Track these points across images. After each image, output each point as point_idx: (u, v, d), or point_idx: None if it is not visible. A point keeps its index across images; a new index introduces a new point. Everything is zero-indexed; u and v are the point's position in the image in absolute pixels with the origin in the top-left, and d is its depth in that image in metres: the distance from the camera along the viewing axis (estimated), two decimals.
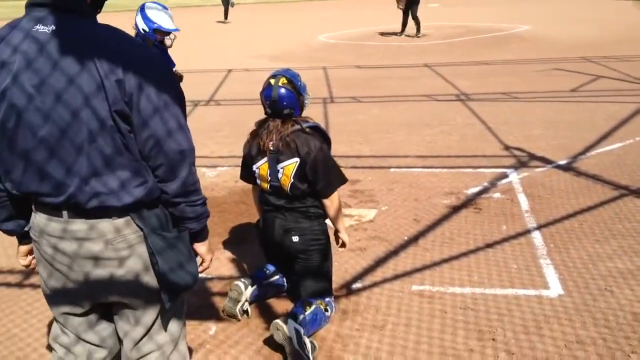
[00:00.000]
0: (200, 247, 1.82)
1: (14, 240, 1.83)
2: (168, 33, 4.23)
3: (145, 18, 4.11)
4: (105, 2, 1.67)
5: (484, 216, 4.09)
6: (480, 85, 8.57)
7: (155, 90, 1.52)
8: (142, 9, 4.16)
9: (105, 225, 1.58)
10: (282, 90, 2.69)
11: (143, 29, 4.13)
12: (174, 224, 1.71)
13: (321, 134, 2.81)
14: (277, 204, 2.82)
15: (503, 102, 7.49)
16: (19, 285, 3.45)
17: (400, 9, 14.90)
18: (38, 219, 1.63)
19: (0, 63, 1.48)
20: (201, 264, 1.85)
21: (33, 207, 1.66)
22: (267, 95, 2.72)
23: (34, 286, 3.38)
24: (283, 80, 2.72)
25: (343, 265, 3.50)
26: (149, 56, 1.59)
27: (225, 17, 21.04)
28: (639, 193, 4.32)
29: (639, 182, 4.52)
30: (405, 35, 15.31)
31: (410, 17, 14.96)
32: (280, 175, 2.73)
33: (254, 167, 2.82)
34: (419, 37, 15.05)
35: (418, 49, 13.23)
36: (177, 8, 37.30)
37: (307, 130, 2.75)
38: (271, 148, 2.71)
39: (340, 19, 21.68)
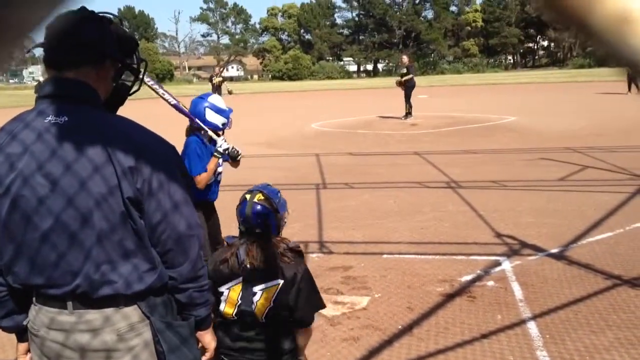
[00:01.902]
0: (206, 336, 1.78)
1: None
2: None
3: (219, 110, 3.83)
4: (120, 106, 1.74)
5: (478, 305, 4.04)
6: (470, 173, 8.74)
7: (166, 177, 1.57)
8: (209, 104, 3.82)
9: (115, 314, 1.55)
10: (258, 207, 2.42)
11: (223, 124, 3.83)
12: (179, 311, 1.68)
13: (303, 258, 2.51)
14: (244, 335, 2.33)
15: (493, 190, 7.61)
16: None
17: (401, 87, 16.19)
18: (41, 313, 1.57)
19: (9, 157, 1.51)
20: (203, 353, 1.79)
21: (34, 300, 1.60)
22: (241, 211, 2.44)
23: None
24: (259, 196, 2.46)
25: (336, 355, 3.41)
26: (158, 142, 1.64)
27: None
28: (633, 283, 4.30)
29: (631, 272, 4.52)
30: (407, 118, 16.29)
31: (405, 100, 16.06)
32: (256, 298, 2.30)
33: (223, 288, 2.35)
34: (407, 119, 16.04)
35: (408, 137, 13.59)
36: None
37: (293, 251, 2.44)
38: (248, 267, 2.34)
39: (332, 108, 22.38)
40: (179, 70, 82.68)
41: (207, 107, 3.81)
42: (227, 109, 3.87)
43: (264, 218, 2.42)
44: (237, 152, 3.82)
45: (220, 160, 3.87)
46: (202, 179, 3.69)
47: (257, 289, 2.32)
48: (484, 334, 3.61)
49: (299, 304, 2.34)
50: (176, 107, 3.64)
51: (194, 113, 3.82)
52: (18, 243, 1.53)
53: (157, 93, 3.64)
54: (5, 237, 1.54)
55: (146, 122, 1.67)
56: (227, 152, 3.75)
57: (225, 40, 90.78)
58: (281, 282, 2.33)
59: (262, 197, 2.46)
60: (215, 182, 3.97)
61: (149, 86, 3.55)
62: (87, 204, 1.48)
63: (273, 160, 10.65)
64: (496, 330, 3.66)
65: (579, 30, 0.40)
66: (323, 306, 2.53)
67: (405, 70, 16.21)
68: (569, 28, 0.41)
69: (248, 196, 2.47)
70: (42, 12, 0.34)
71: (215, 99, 3.86)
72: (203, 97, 3.89)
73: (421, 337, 3.60)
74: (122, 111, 1.66)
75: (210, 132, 3.76)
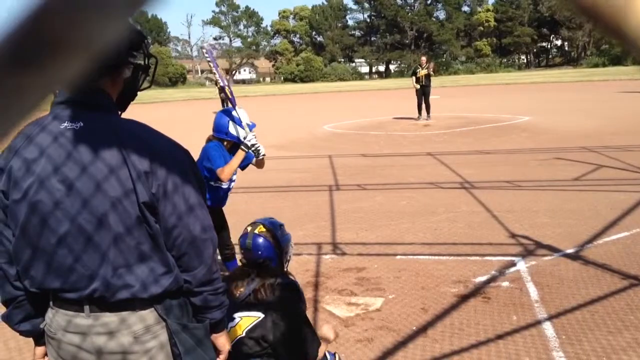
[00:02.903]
0: (220, 338, 1.78)
1: (14, 332, 1.75)
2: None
3: (242, 124, 3.84)
4: (131, 102, 1.75)
5: (493, 306, 4.02)
6: (484, 173, 8.69)
7: (181, 180, 1.57)
8: (233, 117, 3.86)
9: (131, 316, 1.56)
10: (259, 240, 2.41)
11: (244, 137, 3.78)
12: (194, 314, 1.69)
13: (299, 295, 2.44)
14: None
15: (507, 190, 7.56)
16: None
17: (417, 87, 16.48)
18: (58, 316, 1.59)
19: (26, 161, 1.52)
20: (218, 356, 1.80)
21: (51, 303, 1.62)
22: (242, 243, 2.46)
23: None
24: (261, 228, 2.45)
25: (350, 356, 3.40)
26: (173, 146, 1.65)
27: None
28: None
29: None
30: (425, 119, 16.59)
31: (423, 101, 16.29)
32: (232, 324, 2.22)
33: None
34: (429, 119, 16.44)
35: (421, 138, 13.55)
36: (188, 100, 38.57)
37: (284, 286, 2.36)
38: (237, 295, 2.32)
39: (344, 110, 22.37)
40: (191, 74, 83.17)
41: (231, 120, 3.86)
42: (250, 123, 3.90)
43: (264, 251, 2.39)
44: (259, 151, 3.82)
45: (238, 169, 3.90)
46: (224, 170, 3.69)
47: (237, 315, 2.26)
48: (499, 334, 3.59)
49: (287, 346, 2.21)
50: (222, 89, 3.90)
51: (219, 125, 3.88)
52: (35, 247, 1.54)
53: (210, 67, 3.91)
54: (23, 241, 1.55)
55: (158, 126, 1.69)
56: (254, 147, 3.75)
57: (237, 43, 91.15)
58: (262, 316, 2.24)
59: (264, 229, 2.44)
60: (226, 190, 3.99)
61: (205, 58, 3.96)
62: (103, 207, 1.49)
63: (286, 162, 10.67)
64: (511, 331, 3.63)
65: (615, 38, 0.40)
66: (318, 345, 2.34)
67: (427, 71, 16.42)
68: (606, 35, 0.41)
69: (249, 228, 2.46)
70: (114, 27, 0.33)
71: (240, 113, 3.88)
72: (228, 110, 3.94)
73: (436, 338, 3.59)
74: (135, 115, 1.67)
75: (244, 125, 3.81)
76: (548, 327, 3.65)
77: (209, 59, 3.90)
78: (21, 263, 1.58)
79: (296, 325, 2.28)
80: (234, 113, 3.86)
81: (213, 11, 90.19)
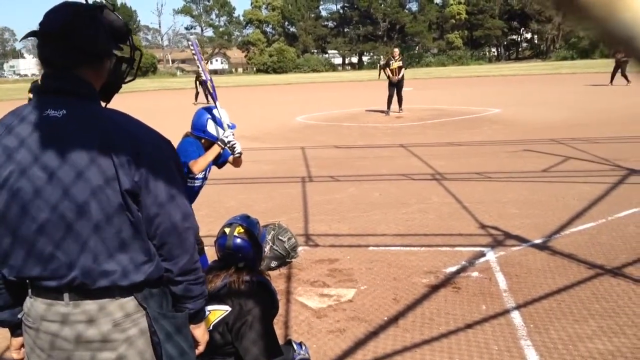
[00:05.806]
0: (197, 329, 1.78)
1: None
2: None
3: (222, 124, 3.77)
4: (115, 94, 1.74)
5: (463, 296, 4.07)
6: (455, 165, 8.78)
7: (162, 169, 1.58)
8: (213, 116, 3.80)
9: (110, 305, 1.54)
10: (238, 241, 2.40)
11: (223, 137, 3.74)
12: (173, 303, 1.69)
13: (269, 294, 2.45)
14: None
15: (477, 181, 7.66)
16: None
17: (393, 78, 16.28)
18: (36, 305, 1.57)
19: (6, 149, 1.50)
20: (196, 347, 1.80)
21: (30, 292, 1.59)
22: (221, 244, 2.43)
23: None
24: (239, 229, 2.44)
25: (322, 347, 3.41)
26: (155, 136, 1.64)
27: (196, 99, 21.56)
28: (614, 272, 4.36)
29: (613, 261, 4.58)
30: (393, 112, 16.44)
31: (395, 94, 16.26)
32: None
33: None
34: (401, 112, 16.34)
35: (393, 130, 13.63)
36: (159, 90, 38.07)
37: (254, 284, 2.38)
38: (210, 288, 2.32)
39: (317, 101, 22.35)
40: (162, 64, 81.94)
41: (210, 118, 3.81)
42: (231, 124, 3.85)
43: (244, 252, 2.39)
44: (234, 148, 3.77)
45: (214, 167, 3.85)
46: (197, 162, 3.62)
47: (207, 308, 2.21)
48: (468, 324, 3.64)
49: (245, 343, 2.22)
50: (204, 84, 3.79)
51: (197, 123, 3.82)
52: (14, 235, 1.52)
53: (196, 61, 3.82)
54: (2, 229, 1.53)
55: (140, 115, 1.67)
56: (230, 144, 3.71)
57: (209, 33, 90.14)
58: (229, 309, 2.27)
59: (242, 230, 2.43)
60: (199, 187, 3.93)
61: (191, 51, 3.83)
62: (84, 194, 1.48)
63: (259, 153, 10.61)
64: (481, 320, 3.69)
65: (569, 10, 0.39)
66: (279, 353, 2.32)
67: (401, 63, 16.36)
68: (559, 9, 0.40)
69: (227, 230, 2.44)
70: None
71: (221, 113, 3.82)
72: (209, 108, 3.88)
73: (406, 328, 3.63)
74: (117, 105, 1.65)
75: (224, 126, 3.75)
76: (516, 316, 3.72)
77: (194, 51, 3.81)
78: (0, 251, 1.56)
79: (257, 327, 2.27)
80: (214, 112, 3.81)
81: (184, 0, 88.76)
